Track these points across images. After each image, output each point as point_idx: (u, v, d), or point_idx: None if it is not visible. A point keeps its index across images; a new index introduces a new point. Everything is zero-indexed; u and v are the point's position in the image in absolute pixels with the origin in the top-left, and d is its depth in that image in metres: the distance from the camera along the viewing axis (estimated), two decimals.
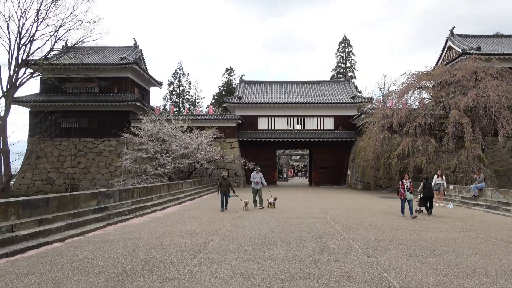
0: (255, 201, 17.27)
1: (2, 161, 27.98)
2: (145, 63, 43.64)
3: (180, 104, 69.48)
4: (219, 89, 71.85)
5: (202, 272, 6.43)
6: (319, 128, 39.81)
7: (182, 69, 72.69)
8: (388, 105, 30.79)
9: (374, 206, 18.84)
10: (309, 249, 8.25)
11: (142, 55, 42.70)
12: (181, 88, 71.48)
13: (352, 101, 39.36)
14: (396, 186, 30.03)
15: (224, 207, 16.11)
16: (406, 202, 13.97)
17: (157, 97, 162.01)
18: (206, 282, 5.85)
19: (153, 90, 76.35)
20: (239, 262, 7.07)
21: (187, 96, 71.67)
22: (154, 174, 30.32)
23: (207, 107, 45.08)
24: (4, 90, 28.82)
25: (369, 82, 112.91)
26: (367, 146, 29.48)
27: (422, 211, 15.53)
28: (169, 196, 19.66)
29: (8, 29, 29.14)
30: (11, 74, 29.16)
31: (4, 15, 28.62)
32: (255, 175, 17.42)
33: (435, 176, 19.66)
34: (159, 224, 12.09)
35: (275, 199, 17.50)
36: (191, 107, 64.90)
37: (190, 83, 72.33)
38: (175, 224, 12.08)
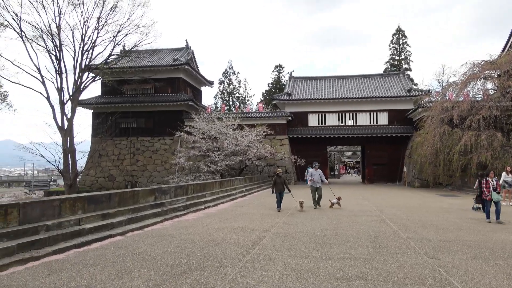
0: (314, 201, 15.71)
1: (70, 159, 30.27)
2: (196, 64, 44.87)
3: (231, 102, 70.66)
4: (269, 86, 72.10)
5: (256, 268, 6.47)
6: (372, 124, 38.52)
7: (232, 68, 73.84)
8: (447, 97, 29.04)
9: (433, 204, 17.85)
10: (364, 248, 7.99)
11: (194, 56, 43.95)
12: (231, 86, 72.63)
13: (408, 94, 37.56)
14: (458, 183, 27.96)
15: (280, 207, 14.87)
16: (492, 204, 12.19)
17: (208, 96, 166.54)
18: (259, 278, 5.87)
19: (204, 90, 78.43)
20: (292, 259, 7.02)
21: (237, 94, 72.72)
22: (207, 171, 31.14)
23: (257, 104, 45.31)
24: (70, 93, 31.16)
25: (425, 74, 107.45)
26: (424, 141, 28.06)
27: (479, 208, 14.64)
28: (221, 193, 20.06)
29: (73, 37, 31.47)
30: (76, 78, 31.44)
31: (69, 25, 30.90)
32: (313, 172, 15.76)
33: (503, 173, 18.20)
34: (213, 220, 12.38)
35: (339, 198, 15.61)
36: (241, 105, 65.78)
37: (239, 82, 73.36)
38: (228, 220, 12.30)
